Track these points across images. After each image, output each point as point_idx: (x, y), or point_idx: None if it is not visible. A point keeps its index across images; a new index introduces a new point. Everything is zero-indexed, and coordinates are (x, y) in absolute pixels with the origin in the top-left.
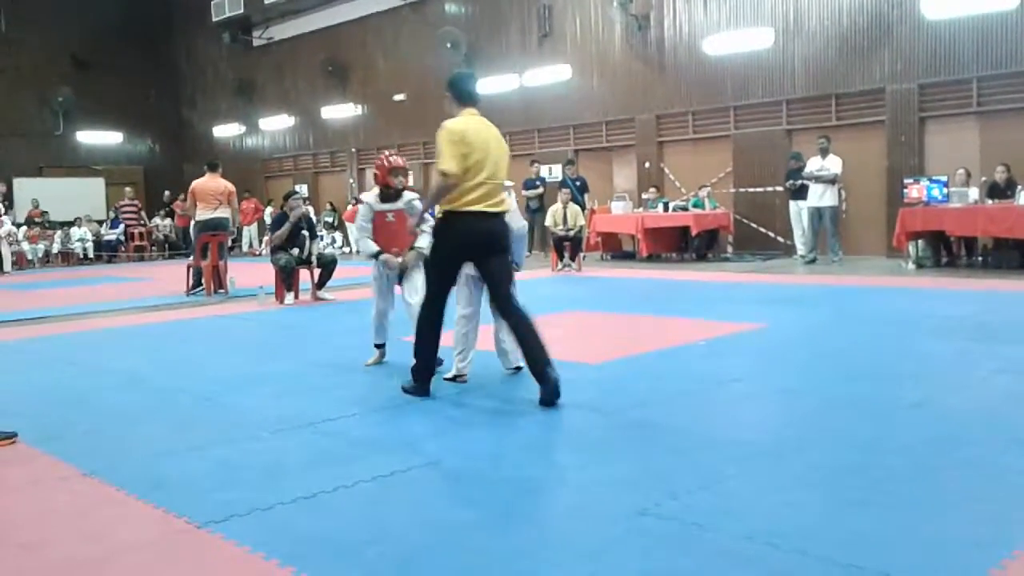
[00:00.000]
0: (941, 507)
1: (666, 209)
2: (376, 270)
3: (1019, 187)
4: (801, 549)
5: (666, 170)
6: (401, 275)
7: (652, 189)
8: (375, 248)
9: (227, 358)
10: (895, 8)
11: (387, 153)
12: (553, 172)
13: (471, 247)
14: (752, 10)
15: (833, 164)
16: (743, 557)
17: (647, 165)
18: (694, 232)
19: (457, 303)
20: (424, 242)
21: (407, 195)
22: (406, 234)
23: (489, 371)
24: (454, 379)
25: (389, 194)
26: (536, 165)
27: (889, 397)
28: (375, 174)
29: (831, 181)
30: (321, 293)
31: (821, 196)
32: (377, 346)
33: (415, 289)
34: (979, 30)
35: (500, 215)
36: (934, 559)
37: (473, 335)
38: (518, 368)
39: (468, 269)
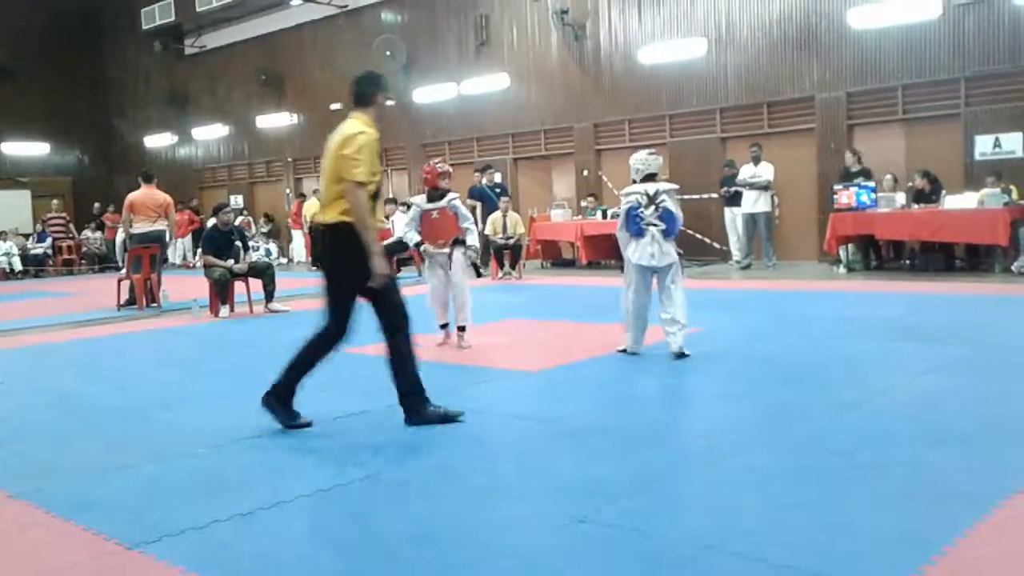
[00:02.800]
0: (874, 506)
1: (604, 216)
2: (429, 260)
3: (943, 192)
4: (738, 551)
5: (604, 178)
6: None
7: (590, 197)
8: (417, 238)
9: (161, 373)
10: (823, 18)
11: (435, 161)
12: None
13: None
14: (685, 20)
15: (765, 171)
16: (681, 560)
17: (585, 173)
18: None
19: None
20: (472, 239)
21: (449, 195)
22: (449, 228)
23: (432, 383)
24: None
25: (435, 195)
26: (490, 171)
27: (823, 399)
28: (424, 178)
29: (764, 188)
30: (272, 305)
31: (755, 202)
32: (441, 326)
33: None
34: (903, 39)
35: (327, 226)
36: (868, 558)
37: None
38: (681, 354)
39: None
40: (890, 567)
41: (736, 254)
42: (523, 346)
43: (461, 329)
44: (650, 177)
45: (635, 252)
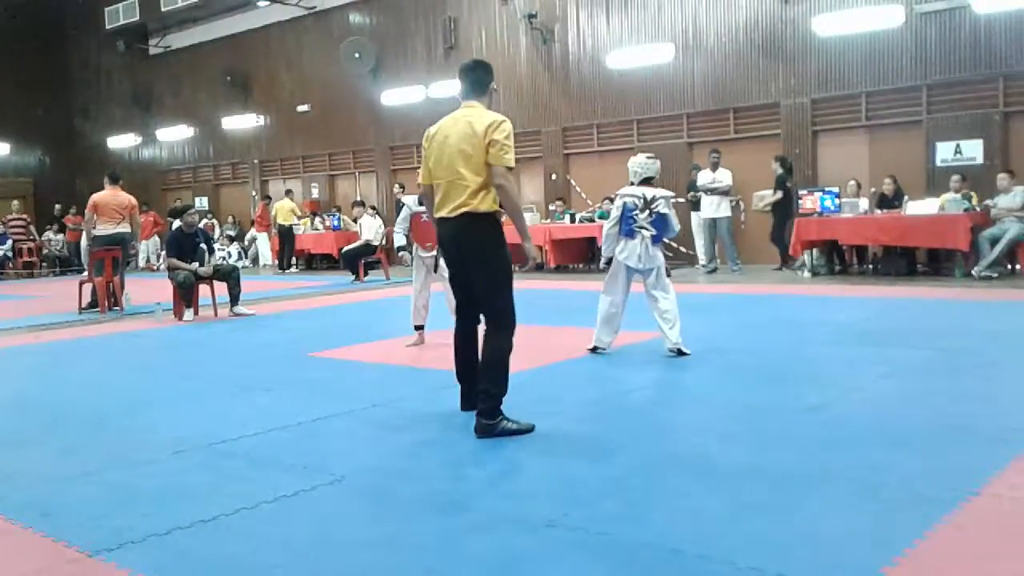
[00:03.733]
0: (837, 508)
1: (573, 220)
2: (416, 262)
3: (906, 197)
4: (703, 554)
5: (572, 182)
6: (436, 266)
7: (559, 201)
8: (403, 242)
9: (123, 378)
10: (788, 25)
11: None
12: None
13: (446, 256)
14: (653, 25)
15: (724, 177)
16: (648, 564)
17: (554, 177)
18: (599, 243)
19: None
20: None
21: None
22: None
23: (401, 388)
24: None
25: None
26: None
27: (788, 402)
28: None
29: (724, 193)
30: (237, 308)
31: (716, 208)
32: (416, 327)
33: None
34: (867, 47)
35: (457, 219)
36: (830, 559)
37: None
38: (678, 351)
39: (621, 258)
40: (852, 568)
41: (702, 258)
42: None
43: None
44: (647, 181)
45: (623, 252)
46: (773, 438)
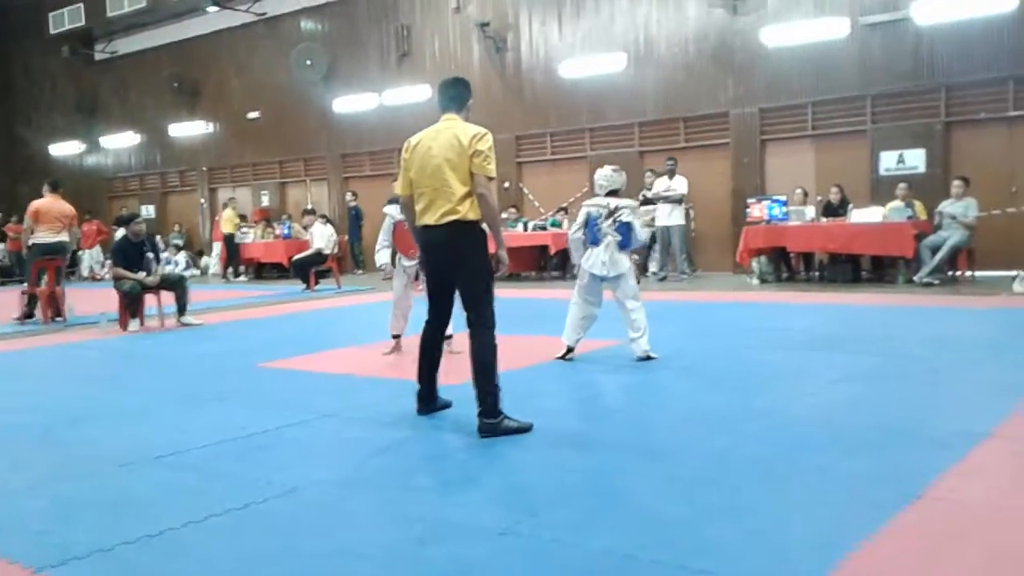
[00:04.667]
0: (787, 512)
1: (526, 228)
2: (398, 270)
3: (851, 205)
4: (657, 559)
5: (525, 190)
6: (417, 275)
7: (512, 209)
8: (387, 259)
9: (66, 390)
10: (737, 36)
11: None
12: None
13: (429, 261)
14: (605, 35)
15: (679, 185)
16: (601, 570)
17: (506, 185)
18: (552, 251)
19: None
20: None
21: None
22: None
23: (353, 397)
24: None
25: None
26: None
27: (739, 407)
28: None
29: (678, 201)
30: (185, 318)
31: (669, 215)
32: (394, 336)
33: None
34: (813, 58)
35: (446, 226)
36: (781, 563)
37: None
38: (646, 357)
39: (586, 266)
40: (801, 571)
41: (653, 266)
42: (446, 358)
43: (448, 338)
44: (612, 193)
45: (588, 260)
46: (724, 443)
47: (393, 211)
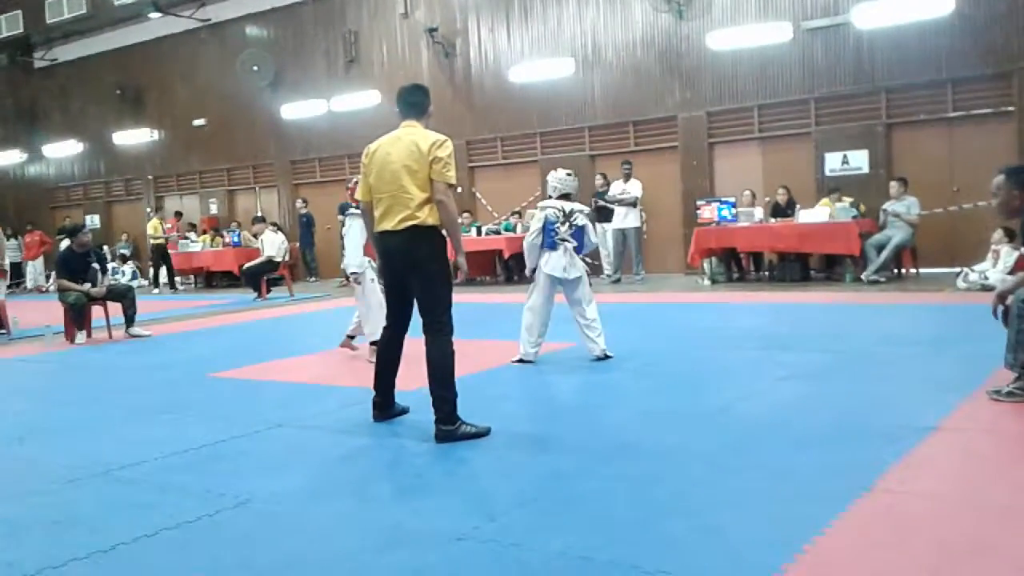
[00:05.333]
0: (740, 509)
1: (480, 233)
2: (372, 274)
3: (798, 206)
4: (612, 559)
5: (478, 194)
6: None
7: (465, 214)
8: (357, 268)
9: (10, 405)
10: (683, 41)
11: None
12: None
13: (387, 267)
14: (553, 40)
15: (634, 188)
16: (558, 572)
17: (459, 190)
18: (506, 255)
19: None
20: None
21: None
22: None
23: (306, 407)
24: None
25: None
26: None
27: (690, 406)
28: (350, 194)
29: (632, 204)
30: (133, 330)
31: (624, 218)
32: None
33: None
34: (758, 62)
35: (404, 231)
36: (735, 559)
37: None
38: (604, 356)
39: (546, 269)
40: (755, 567)
41: (607, 268)
42: (404, 365)
43: (352, 337)
44: (565, 196)
45: (547, 263)
46: (678, 441)
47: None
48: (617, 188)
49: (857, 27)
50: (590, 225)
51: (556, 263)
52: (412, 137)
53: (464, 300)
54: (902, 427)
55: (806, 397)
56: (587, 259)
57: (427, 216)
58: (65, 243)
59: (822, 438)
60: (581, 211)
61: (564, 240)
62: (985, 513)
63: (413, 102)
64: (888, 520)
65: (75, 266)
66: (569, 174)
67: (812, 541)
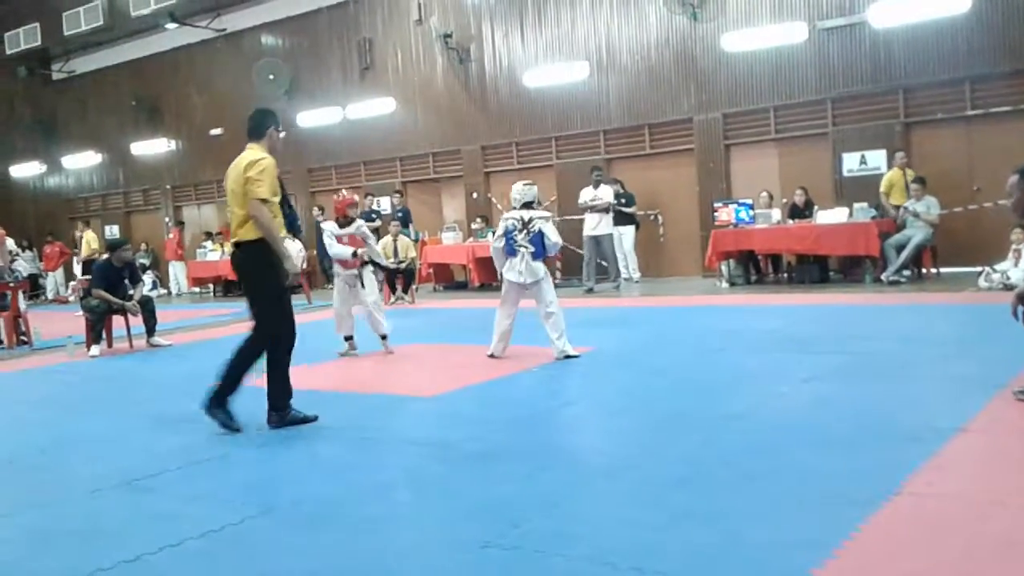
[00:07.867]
0: (765, 513)
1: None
2: (338, 278)
3: (816, 207)
4: (637, 566)
5: (494, 200)
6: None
7: (480, 219)
8: (351, 250)
9: (35, 415)
10: (698, 43)
11: (343, 193)
12: (382, 204)
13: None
14: (567, 44)
15: (605, 194)
16: None
17: (475, 195)
18: None
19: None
20: (378, 257)
21: (357, 222)
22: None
23: (327, 413)
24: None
25: (344, 222)
26: (370, 197)
27: (711, 410)
28: (335, 207)
29: (605, 210)
30: (154, 339)
31: (596, 225)
32: (346, 338)
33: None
34: (773, 63)
35: (240, 245)
36: (762, 564)
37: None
38: (567, 356)
39: (509, 276)
40: (782, 572)
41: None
42: (418, 371)
43: (383, 337)
44: (527, 205)
45: (508, 269)
46: (700, 445)
47: (332, 228)
48: (587, 195)
49: (873, 26)
50: (549, 228)
51: (514, 269)
52: (243, 160)
53: (480, 305)
54: (928, 428)
55: (829, 399)
56: (602, 262)
57: (246, 232)
58: (103, 256)
59: (847, 440)
60: (541, 217)
61: (522, 246)
62: (1017, 513)
63: (252, 126)
64: (918, 523)
65: (112, 279)
66: (527, 184)
67: (842, 545)
